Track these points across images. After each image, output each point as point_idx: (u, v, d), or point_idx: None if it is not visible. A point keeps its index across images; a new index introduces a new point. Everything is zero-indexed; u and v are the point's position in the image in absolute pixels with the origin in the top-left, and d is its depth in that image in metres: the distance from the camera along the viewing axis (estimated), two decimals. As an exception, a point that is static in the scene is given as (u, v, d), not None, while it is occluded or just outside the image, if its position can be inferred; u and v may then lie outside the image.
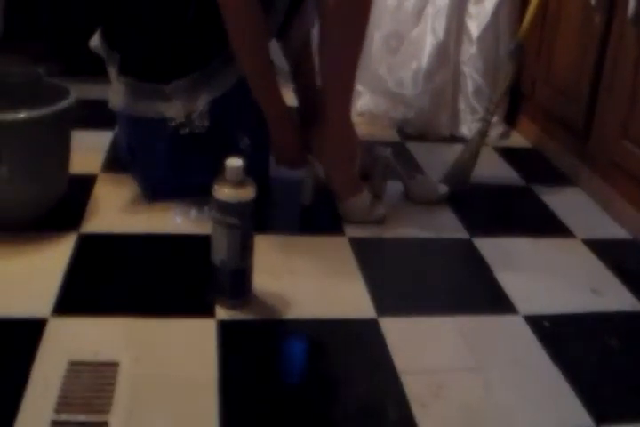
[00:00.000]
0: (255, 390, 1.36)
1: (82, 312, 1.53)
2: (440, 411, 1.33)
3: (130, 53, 1.87)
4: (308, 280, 1.70)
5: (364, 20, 1.81)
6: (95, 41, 2.00)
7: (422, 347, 1.51)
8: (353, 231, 1.91)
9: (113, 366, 1.37)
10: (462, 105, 2.62)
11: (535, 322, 1.60)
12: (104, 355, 1.40)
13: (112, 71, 1.93)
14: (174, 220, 1.92)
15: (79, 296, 1.59)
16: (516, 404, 1.37)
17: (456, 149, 2.27)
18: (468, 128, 2.58)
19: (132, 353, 1.41)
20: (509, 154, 2.50)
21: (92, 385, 1.31)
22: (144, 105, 1.87)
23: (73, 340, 1.45)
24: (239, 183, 1.48)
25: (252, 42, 1.77)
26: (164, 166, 1.97)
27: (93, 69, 2.27)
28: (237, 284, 1.58)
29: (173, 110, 1.85)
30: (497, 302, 1.67)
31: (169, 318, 1.53)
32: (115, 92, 1.88)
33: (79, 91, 1.81)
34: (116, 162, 2.18)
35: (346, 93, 1.88)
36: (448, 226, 1.98)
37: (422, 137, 2.58)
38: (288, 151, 1.94)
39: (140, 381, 1.34)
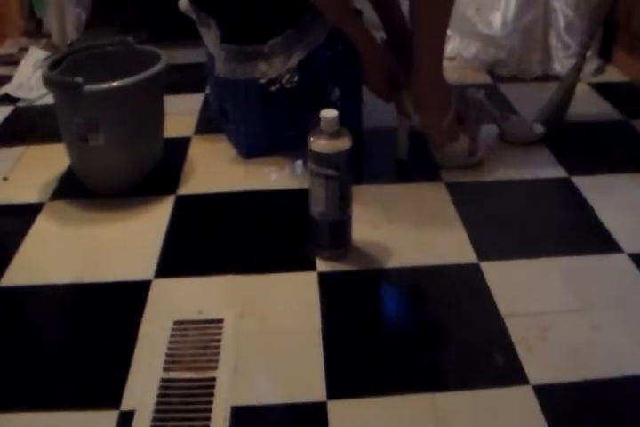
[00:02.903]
0: (359, 340, 1.37)
1: (184, 272, 1.56)
2: (546, 354, 1.32)
3: (224, 17, 1.87)
4: (406, 228, 1.70)
5: None
6: (184, 3, 2.00)
7: (526, 290, 1.50)
8: (450, 177, 1.89)
9: (217, 323, 1.40)
10: (554, 42, 2.54)
11: (641, 260, 1.57)
12: (208, 313, 1.43)
13: (206, 35, 1.94)
14: (270, 176, 1.93)
15: (181, 257, 1.62)
16: (625, 344, 1.34)
17: (549, 88, 2.21)
18: (560, 65, 2.51)
19: (235, 310, 1.44)
20: (606, 89, 2.42)
21: (197, 343, 1.35)
22: (249, 67, 1.86)
23: (177, 300, 1.48)
24: (335, 134, 1.48)
25: None
26: (257, 123, 1.98)
27: (179, 35, 2.29)
28: (337, 235, 1.59)
29: (274, 69, 1.85)
30: (600, 241, 1.64)
31: (270, 273, 1.55)
32: (218, 60, 1.88)
33: (167, 56, 1.83)
34: (208, 123, 2.21)
35: (438, 41, 1.84)
36: (546, 166, 1.94)
37: (514, 77, 2.52)
38: (377, 78, 1.89)
39: (244, 336, 1.37)
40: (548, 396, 1.23)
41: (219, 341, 1.35)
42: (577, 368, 1.29)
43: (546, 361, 1.31)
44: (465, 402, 1.23)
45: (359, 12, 1.91)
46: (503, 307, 1.43)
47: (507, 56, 2.53)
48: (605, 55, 2.62)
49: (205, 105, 2.32)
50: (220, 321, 1.40)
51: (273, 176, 1.93)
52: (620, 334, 1.37)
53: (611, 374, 1.28)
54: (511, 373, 1.28)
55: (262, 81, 1.90)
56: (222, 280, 1.53)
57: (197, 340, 1.35)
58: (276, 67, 1.85)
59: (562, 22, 2.53)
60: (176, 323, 1.40)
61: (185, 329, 1.38)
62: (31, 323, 1.47)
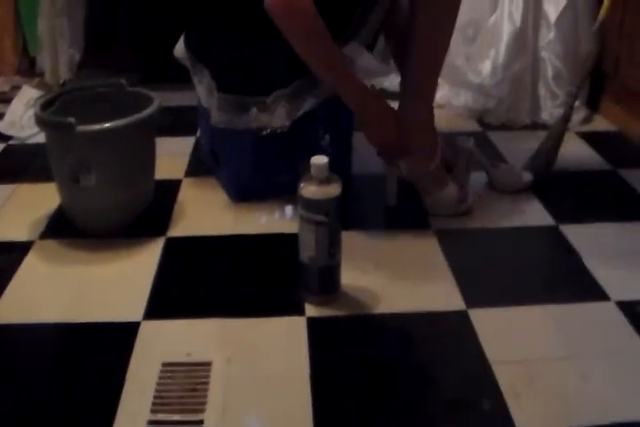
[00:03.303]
0: (348, 385, 1.37)
1: (173, 315, 1.56)
2: (534, 402, 1.32)
3: (223, 66, 1.87)
4: (395, 275, 1.70)
5: (454, 15, 1.79)
6: (179, 51, 2.01)
7: (513, 337, 1.50)
8: (438, 224, 1.90)
9: (206, 366, 1.39)
10: (542, 91, 2.58)
11: (628, 308, 1.57)
12: (196, 355, 1.43)
13: (199, 85, 1.95)
14: (260, 220, 1.93)
15: (170, 299, 1.62)
16: (612, 393, 1.34)
17: (538, 136, 2.23)
18: (549, 114, 2.54)
19: (223, 353, 1.43)
20: (593, 138, 2.45)
21: (186, 385, 1.34)
22: (245, 118, 1.86)
23: (165, 342, 1.48)
24: (325, 180, 1.49)
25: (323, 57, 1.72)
26: (247, 167, 1.99)
27: (171, 77, 2.31)
28: (326, 280, 1.59)
29: (276, 120, 1.86)
30: (588, 289, 1.65)
31: (259, 316, 1.55)
32: (214, 109, 1.88)
33: (159, 98, 1.84)
34: (199, 166, 2.22)
35: (429, 88, 1.87)
36: (534, 214, 1.96)
37: (503, 126, 2.55)
38: (389, 145, 1.89)
39: (232, 379, 1.37)
40: (536, 444, 1.24)
41: (207, 384, 1.34)
42: (564, 416, 1.29)
43: (533, 409, 1.30)
44: (453, 449, 1.24)
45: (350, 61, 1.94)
46: (491, 354, 1.43)
47: (496, 105, 2.56)
48: (593, 105, 2.65)
49: (196, 147, 2.33)
50: (209, 364, 1.40)
51: (263, 220, 1.93)
52: (608, 383, 1.37)
53: (598, 422, 1.28)
54: (499, 420, 1.28)
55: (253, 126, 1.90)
56: (211, 323, 1.53)
57: (185, 382, 1.35)
58: (280, 118, 1.85)
59: (550, 72, 2.56)
60: (164, 365, 1.39)
61: (173, 371, 1.38)
62: (17, 363, 1.46)
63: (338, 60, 1.73)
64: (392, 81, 2.71)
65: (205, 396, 1.32)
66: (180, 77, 2.15)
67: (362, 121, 1.84)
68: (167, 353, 1.44)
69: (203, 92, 1.94)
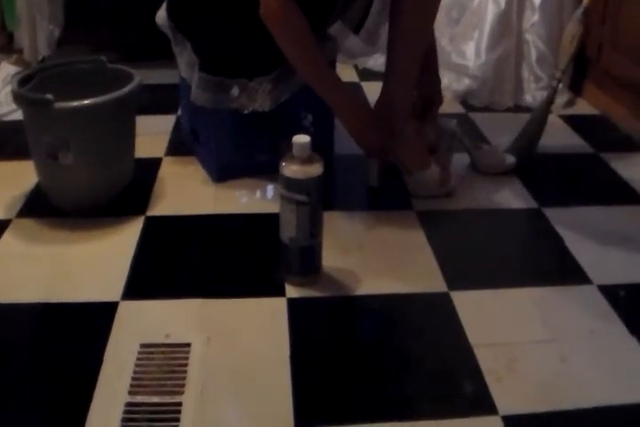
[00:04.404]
0: (328, 367, 1.36)
1: (152, 295, 1.54)
2: (515, 385, 1.32)
3: (207, 47, 1.84)
4: (377, 256, 1.69)
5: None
6: (161, 18, 1.97)
7: (495, 320, 1.49)
8: (421, 205, 1.89)
9: (184, 347, 1.38)
10: (526, 74, 2.57)
11: (610, 292, 1.57)
12: (175, 337, 1.41)
13: (179, 56, 1.92)
14: (240, 199, 1.92)
15: (149, 279, 1.60)
16: (593, 376, 1.34)
17: (521, 119, 2.23)
18: (532, 97, 2.54)
19: (202, 334, 1.42)
20: (576, 122, 2.45)
21: (164, 367, 1.33)
22: (225, 98, 1.84)
23: (144, 322, 1.46)
24: (307, 160, 1.48)
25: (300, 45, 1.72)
26: (228, 147, 1.97)
27: (152, 54, 2.28)
28: (307, 261, 1.58)
29: (259, 104, 1.84)
30: (570, 272, 1.65)
31: (239, 297, 1.54)
32: (194, 86, 1.85)
33: (139, 75, 1.82)
34: (179, 144, 2.20)
35: (411, 68, 1.85)
36: (516, 196, 1.95)
37: (487, 108, 2.54)
38: (372, 141, 1.88)
39: (211, 361, 1.35)
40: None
41: (185, 365, 1.33)
42: (545, 399, 1.29)
43: (515, 392, 1.30)
44: (434, 432, 1.23)
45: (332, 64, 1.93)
46: (472, 337, 1.43)
47: (479, 86, 2.55)
48: (576, 88, 2.65)
49: (177, 126, 2.31)
50: (187, 345, 1.38)
51: (243, 200, 1.92)
52: (589, 366, 1.37)
53: (579, 406, 1.28)
54: (480, 403, 1.28)
55: (234, 105, 1.88)
56: (190, 304, 1.52)
57: (164, 364, 1.33)
58: (262, 102, 1.84)
59: (534, 55, 2.56)
60: (142, 346, 1.38)
61: (151, 353, 1.36)
62: (-7, 343, 1.44)
63: (326, 71, 1.78)
64: (377, 60, 2.70)
65: (184, 378, 1.30)
66: (161, 55, 2.13)
67: (345, 124, 1.83)
68: (145, 334, 1.42)
69: (183, 64, 1.92)
